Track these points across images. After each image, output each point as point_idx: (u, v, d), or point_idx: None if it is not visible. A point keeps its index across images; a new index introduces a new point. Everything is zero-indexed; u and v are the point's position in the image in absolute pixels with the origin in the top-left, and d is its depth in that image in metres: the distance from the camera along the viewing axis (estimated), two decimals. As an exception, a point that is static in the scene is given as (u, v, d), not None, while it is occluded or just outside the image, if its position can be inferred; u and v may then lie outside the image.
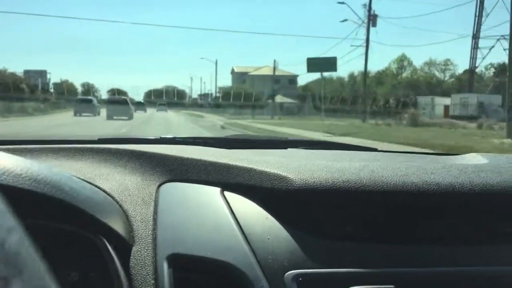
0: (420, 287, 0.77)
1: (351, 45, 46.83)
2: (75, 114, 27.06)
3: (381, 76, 57.23)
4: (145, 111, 39.71)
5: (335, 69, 37.92)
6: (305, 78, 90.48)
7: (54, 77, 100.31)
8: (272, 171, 0.85)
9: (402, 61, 56.59)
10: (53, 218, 0.61)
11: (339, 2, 35.54)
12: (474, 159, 1.14)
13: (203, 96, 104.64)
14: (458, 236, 0.84)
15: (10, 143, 1.10)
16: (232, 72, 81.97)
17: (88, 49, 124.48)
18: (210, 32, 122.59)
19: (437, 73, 56.98)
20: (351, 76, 63.97)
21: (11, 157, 0.55)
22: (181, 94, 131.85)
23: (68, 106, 37.12)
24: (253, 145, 1.38)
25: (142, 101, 51.54)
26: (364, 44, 36.52)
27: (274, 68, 41.10)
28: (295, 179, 0.82)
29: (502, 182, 0.86)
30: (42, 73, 68.15)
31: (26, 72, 62.77)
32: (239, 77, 78.08)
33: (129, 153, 0.98)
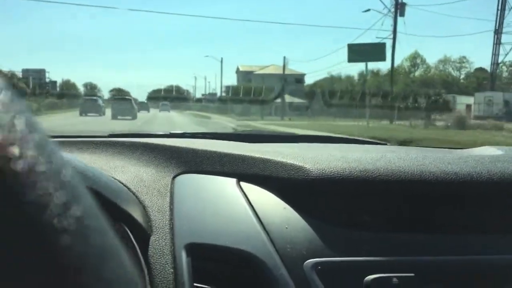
0: (440, 276, 0.77)
1: (377, 37, 41.06)
2: (80, 114, 26.70)
3: (394, 75, 54.95)
4: (148, 111, 39.59)
5: (383, 58, 30.99)
6: (312, 77, 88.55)
7: (54, 77, 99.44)
8: (288, 161, 0.85)
9: (415, 58, 54.34)
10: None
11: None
12: (488, 150, 1.12)
13: (207, 95, 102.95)
14: (476, 225, 0.84)
15: None
16: (237, 71, 79.94)
17: (88, 48, 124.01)
18: (214, 30, 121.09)
19: (452, 71, 54.75)
20: (361, 75, 61.72)
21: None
22: (184, 93, 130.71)
23: (70, 106, 35.98)
24: (264, 139, 1.38)
25: (145, 101, 51.97)
26: (391, 36, 32.83)
27: (284, 66, 38.91)
28: (312, 169, 0.82)
29: None
30: (41, 72, 66.50)
31: (25, 71, 60.98)
32: (245, 76, 76.04)
33: (142, 146, 0.97)
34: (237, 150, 0.92)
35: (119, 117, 23.97)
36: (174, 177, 0.88)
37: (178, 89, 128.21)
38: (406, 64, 55.63)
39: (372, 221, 0.82)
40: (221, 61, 56.11)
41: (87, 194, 0.23)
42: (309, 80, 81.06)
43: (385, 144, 1.45)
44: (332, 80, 70.75)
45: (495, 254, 0.81)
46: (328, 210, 0.81)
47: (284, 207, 0.81)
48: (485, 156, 0.98)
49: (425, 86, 47.50)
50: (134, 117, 25.06)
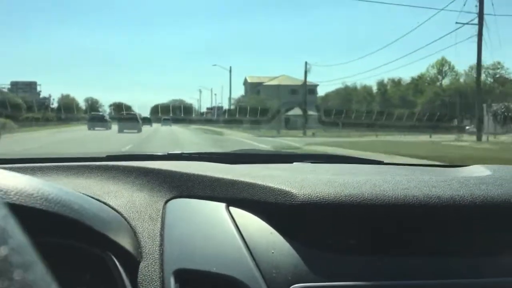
0: None
1: (457, 22, 27.26)
2: (89, 128, 29.34)
3: (418, 83, 49.93)
4: (151, 125, 41.38)
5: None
6: (325, 87, 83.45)
7: (50, 91, 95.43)
8: (275, 186, 0.87)
9: (442, 65, 49.44)
10: (63, 236, 0.62)
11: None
12: (477, 170, 1.13)
13: (212, 109, 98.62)
14: (459, 249, 0.86)
15: (21, 161, 1.13)
16: (245, 82, 75.38)
17: (90, 63, 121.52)
18: (220, 42, 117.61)
19: (486, 78, 49.77)
20: (381, 84, 56.73)
21: (22, 177, 0.58)
22: (188, 108, 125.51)
23: (72, 120, 38.37)
24: (260, 159, 1.42)
25: (149, 117, 57.08)
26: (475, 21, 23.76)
27: (306, 73, 34.03)
28: (298, 194, 0.84)
29: (502, 194, 0.87)
30: (32, 85, 61.93)
31: (14, 83, 56.46)
32: (253, 88, 71.41)
33: (136, 170, 0.99)
34: (229, 174, 0.94)
35: (125, 130, 25.88)
36: (166, 202, 0.90)
37: (182, 103, 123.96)
38: (432, 71, 50.65)
39: (357, 245, 0.83)
40: (230, 70, 51.32)
41: (17, 233, 0.24)
42: (322, 90, 76.85)
43: (380, 163, 1.46)
44: (346, 90, 66.08)
45: (479, 277, 0.82)
46: (314, 235, 0.83)
47: (270, 232, 0.82)
48: (471, 178, 0.98)
49: (459, 95, 42.64)
50: (139, 130, 27.05)
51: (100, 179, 0.99)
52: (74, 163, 1.08)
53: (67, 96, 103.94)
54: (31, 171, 1.00)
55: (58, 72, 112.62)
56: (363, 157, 1.59)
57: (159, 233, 0.81)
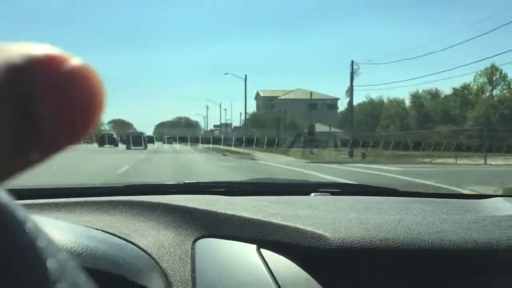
0: None
1: None
2: (99, 146, 31.77)
3: (465, 95, 42.64)
4: (153, 143, 42.49)
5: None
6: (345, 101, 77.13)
7: None
8: (308, 229, 0.85)
9: (491, 74, 42.28)
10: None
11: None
12: (500, 204, 1.13)
13: (220, 126, 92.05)
14: None
15: (40, 195, 1.14)
16: (257, 97, 68.65)
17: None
18: (228, 58, 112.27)
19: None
20: (415, 96, 49.49)
21: (66, 228, 0.60)
22: (194, 125, 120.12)
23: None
24: (277, 189, 1.48)
25: (151, 135, 60.15)
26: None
27: (352, 75, 26.85)
28: (332, 238, 0.83)
29: None
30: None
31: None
32: (266, 102, 64.59)
33: (162, 207, 0.99)
34: (258, 214, 0.92)
35: (132, 147, 29.27)
36: (194, 241, 0.88)
37: (187, 120, 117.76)
38: (480, 80, 43.44)
39: None
40: (245, 79, 44.33)
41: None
42: (342, 105, 69.83)
43: (395, 191, 1.50)
44: (371, 105, 59.21)
45: None
46: (350, 280, 0.82)
47: (306, 278, 0.80)
48: (502, 218, 0.96)
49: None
50: (145, 147, 30.39)
51: (124, 216, 0.97)
52: (96, 198, 1.08)
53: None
54: (56, 208, 0.99)
55: None
56: (378, 185, 1.65)
57: (190, 276, 0.80)
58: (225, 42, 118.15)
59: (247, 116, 56.55)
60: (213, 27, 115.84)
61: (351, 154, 23.85)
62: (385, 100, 59.82)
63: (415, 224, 0.89)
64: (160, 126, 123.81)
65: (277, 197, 1.28)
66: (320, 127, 53.01)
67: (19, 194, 1.18)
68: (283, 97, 61.36)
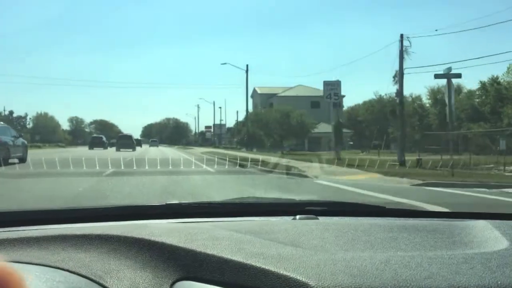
0: None
1: None
2: (89, 148, 36.02)
3: (498, 89, 37.05)
4: (141, 146, 45.61)
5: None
6: (351, 98, 69.30)
7: (30, 110, 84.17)
8: (290, 275, 0.81)
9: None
10: None
11: None
12: (488, 233, 1.11)
13: (210, 127, 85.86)
14: None
15: (12, 223, 1.13)
16: (254, 94, 62.70)
17: (73, 82, 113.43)
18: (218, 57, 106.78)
19: None
20: (435, 92, 43.80)
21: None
22: (183, 127, 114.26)
23: (50, 142, 44.49)
24: (261, 209, 1.50)
25: (139, 138, 63.71)
26: None
27: (401, 53, 20.73)
28: (316, 287, 0.79)
29: None
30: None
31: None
32: (264, 100, 58.70)
33: (138, 242, 0.97)
34: (237, 254, 0.89)
35: (121, 149, 32.30)
36: (172, 284, 0.85)
37: (176, 122, 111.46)
38: (514, 72, 37.86)
39: None
40: (247, 70, 38.32)
41: None
42: (349, 102, 64.12)
43: (383, 210, 1.54)
44: (381, 103, 53.64)
45: None
46: None
47: None
48: (492, 257, 0.94)
49: None
50: (134, 149, 34.96)
51: (100, 252, 0.95)
52: (71, 229, 1.06)
53: (45, 115, 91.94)
54: (28, 245, 0.98)
55: (35, 90, 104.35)
56: (366, 202, 1.65)
57: None
58: (218, 41, 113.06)
59: (253, 113, 50.49)
60: (203, 27, 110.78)
61: (402, 162, 17.87)
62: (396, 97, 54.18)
63: (403, 267, 0.86)
64: (148, 128, 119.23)
65: (261, 221, 1.31)
66: (324, 127, 47.35)
67: (2, 220, 1.15)
68: (283, 94, 55.54)
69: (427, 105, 46.10)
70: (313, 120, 42.03)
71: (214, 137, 77.05)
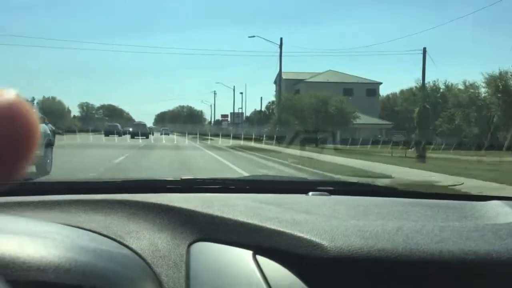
0: None
1: None
2: (105, 135, 35.30)
3: None
4: (152, 134, 44.57)
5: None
6: (389, 86, 61.40)
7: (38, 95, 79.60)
8: (304, 236, 0.84)
9: None
10: None
11: None
12: (500, 209, 1.12)
13: (226, 116, 79.92)
14: None
15: (42, 191, 1.15)
16: (277, 80, 56.60)
17: (84, 68, 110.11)
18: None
19: None
20: (494, 78, 37.13)
21: (56, 241, 0.60)
22: (198, 116, 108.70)
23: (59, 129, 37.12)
24: (274, 187, 1.51)
25: (152, 126, 67.03)
26: None
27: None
28: (329, 247, 0.82)
29: None
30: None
31: None
32: (289, 86, 52.68)
33: (157, 208, 0.98)
34: (254, 218, 0.92)
35: (136, 137, 32.82)
36: (189, 245, 0.88)
37: (190, 110, 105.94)
38: None
39: None
40: (281, 44, 32.16)
41: None
42: (386, 91, 57.60)
43: (393, 190, 1.54)
44: (417, 91, 47.31)
45: None
46: None
47: (301, 286, 0.79)
48: (502, 226, 0.94)
49: None
50: (148, 137, 35.03)
51: (120, 216, 0.97)
52: (92, 196, 1.08)
53: (52, 99, 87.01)
54: (50, 207, 1.00)
55: (48, 77, 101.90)
56: (376, 183, 1.65)
57: (184, 282, 0.79)
58: (237, 28, 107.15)
59: (267, 105, 44.04)
60: (223, 12, 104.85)
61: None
62: (441, 85, 47.45)
63: (414, 233, 0.87)
64: (161, 116, 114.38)
65: (274, 195, 1.30)
66: (367, 119, 41.43)
67: (19, 189, 1.17)
68: (311, 80, 49.43)
69: (485, 94, 39.54)
70: (354, 108, 35.68)
71: (231, 126, 71.32)
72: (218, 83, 76.84)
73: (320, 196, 1.32)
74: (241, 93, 64.80)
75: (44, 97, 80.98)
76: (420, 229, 0.89)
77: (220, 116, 78.83)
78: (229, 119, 73.62)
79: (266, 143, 29.35)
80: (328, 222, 0.92)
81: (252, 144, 25.95)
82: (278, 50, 33.86)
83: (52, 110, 74.18)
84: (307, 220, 0.93)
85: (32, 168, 9.24)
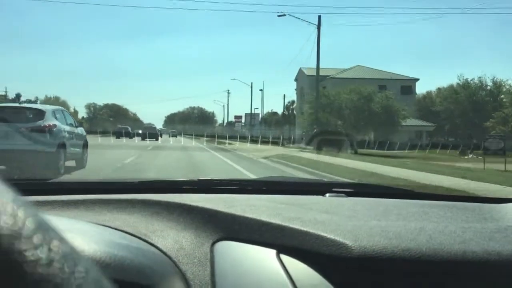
0: None
1: None
2: (117, 138, 34.58)
3: None
4: (161, 136, 46.41)
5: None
6: (426, 83, 54.47)
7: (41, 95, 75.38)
8: (328, 237, 0.84)
9: None
10: None
11: None
12: None
13: (240, 118, 74.54)
14: None
15: (59, 191, 1.18)
16: (299, 77, 51.26)
17: (92, 70, 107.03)
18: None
19: None
20: None
21: (93, 236, 0.62)
22: (208, 117, 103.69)
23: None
24: (290, 188, 1.50)
25: (161, 128, 66.65)
26: None
27: None
28: (353, 247, 0.81)
29: None
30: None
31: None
32: (313, 84, 47.24)
33: (180, 207, 0.99)
34: (276, 218, 0.92)
35: (146, 139, 33.89)
36: (213, 244, 0.88)
37: (201, 111, 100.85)
38: None
39: None
40: (319, 24, 26.75)
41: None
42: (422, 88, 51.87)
43: (411, 193, 1.51)
44: (469, 89, 41.66)
45: None
46: None
47: (326, 285, 0.79)
48: None
49: None
50: (157, 139, 36.88)
51: (143, 216, 0.97)
52: (114, 195, 1.10)
53: (56, 99, 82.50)
54: (75, 206, 1.01)
55: (57, 79, 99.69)
56: (393, 186, 1.64)
57: (209, 280, 0.79)
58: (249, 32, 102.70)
59: (286, 105, 38.78)
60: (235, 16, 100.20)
61: None
62: (489, 82, 41.58)
63: (437, 233, 0.88)
64: (171, 117, 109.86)
65: (292, 196, 1.29)
66: (414, 121, 35.86)
67: (43, 189, 1.19)
68: (339, 76, 43.81)
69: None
70: (404, 105, 29.93)
71: (244, 128, 66.08)
72: (234, 79, 70.35)
73: (338, 198, 1.32)
74: (261, 90, 59.01)
75: (46, 96, 76.41)
76: (442, 229, 0.89)
77: (234, 117, 73.61)
78: (243, 120, 68.25)
79: (301, 149, 23.70)
80: (350, 222, 0.92)
81: (293, 151, 20.06)
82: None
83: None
84: (329, 220, 0.93)
85: (72, 163, 9.49)
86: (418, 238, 0.84)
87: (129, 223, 0.91)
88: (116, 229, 0.84)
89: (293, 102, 60.06)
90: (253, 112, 63.45)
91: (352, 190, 1.44)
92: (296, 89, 52.54)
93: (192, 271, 0.80)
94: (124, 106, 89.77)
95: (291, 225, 0.87)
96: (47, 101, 74.42)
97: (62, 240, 0.29)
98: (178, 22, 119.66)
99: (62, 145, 8.77)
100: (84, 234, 0.65)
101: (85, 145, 10.52)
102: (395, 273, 0.80)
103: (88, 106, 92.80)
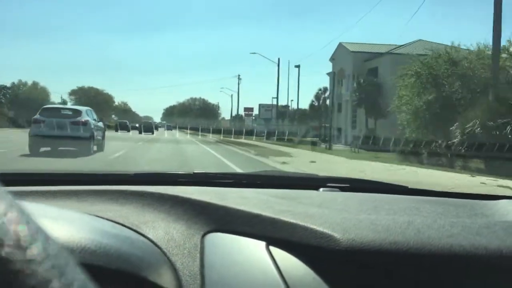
0: None
1: None
2: (115, 131, 35.34)
3: None
4: (157, 129, 49.03)
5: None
6: None
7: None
8: (317, 228, 0.86)
9: None
10: (117, 285, 0.64)
11: None
12: (509, 207, 1.13)
13: (251, 110, 62.71)
14: None
15: (53, 182, 1.18)
16: (338, 54, 39.56)
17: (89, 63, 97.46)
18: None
19: None
20: None
21: (80, 224, 0.63)
22: (212, 109, 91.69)
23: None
24: (285, 182, 1.51)
25: (156, 122, 66.98)
26: None
27: None
28: (342, 239, 0.83)
29: None
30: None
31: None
32: (358, 63, 35.46)
33: (172, 199, 1.00)
34: (267, 210, 0.93)
35: (143, 133, 38.88)
36: (203, 235, 0.89)
37: (204, 103, 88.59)
38: None
39: None
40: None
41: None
42: None
43: (405, 189, 1.51)
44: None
45: None
46: (357, 283, 0.82)
47: (313, 277, 0.80)
48: None
49: None
50: (153, 133, 40.72)
51: (135, 207, 0.99)
52: (108, 186, 1.11)
53: (35, 85, 70.62)
54: (67, 197, 1.02)
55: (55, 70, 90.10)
56: (388, 181, 1.64)
57: (199, 271, 0.80)
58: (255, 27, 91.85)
59: (316, 93, 27.17)
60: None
61: None
62: None
63: (425, 227, 0.89)
64: (169, 110, 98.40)
65: (286, 190, 1.31)
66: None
67: (32, 179, 1.19)
68: (398, 51, 31.92)
69: None
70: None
71: (256, 122, 54.48)
72: (253, 53, 48.38)
73: (331, 192, 1.35)
74: (297, 66, 46.65)
75: (20, 81, 64.56)
76: (431, 224, 0.90)
77: (243, 109, 61.83)
78: (256, 111, 56.66)
79: (417, 164, 12.12)
80: (340, 216, 0.94)
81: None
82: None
83: (30, 99, 56.13)
84: (320, 213, 0.95)
85: (94, 148, 13.91)
86: (406, 231, 0.85)
87: (121, 214, 0.91)
88: (107, 219, 0.85)
89: (325, 89, 48.19)
90: (269, 103, 51.53)
91: (346, 185, 1.48)
92: (330, 73, 40.71)
93: (182, 262, 0.81)
94: (106, 91, 76.84)
95: (282, 218, 0.89)
96: (22, 85, 62.99)
97: (48, 239, 0.28)
98: (179, 16, 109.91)
99: (92, 134, 14.11)
100: (72, 222, 0.66)
101: (104, 135, 15.94)
102: (382, 265, 0.81)
103: (74, 93, 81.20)
